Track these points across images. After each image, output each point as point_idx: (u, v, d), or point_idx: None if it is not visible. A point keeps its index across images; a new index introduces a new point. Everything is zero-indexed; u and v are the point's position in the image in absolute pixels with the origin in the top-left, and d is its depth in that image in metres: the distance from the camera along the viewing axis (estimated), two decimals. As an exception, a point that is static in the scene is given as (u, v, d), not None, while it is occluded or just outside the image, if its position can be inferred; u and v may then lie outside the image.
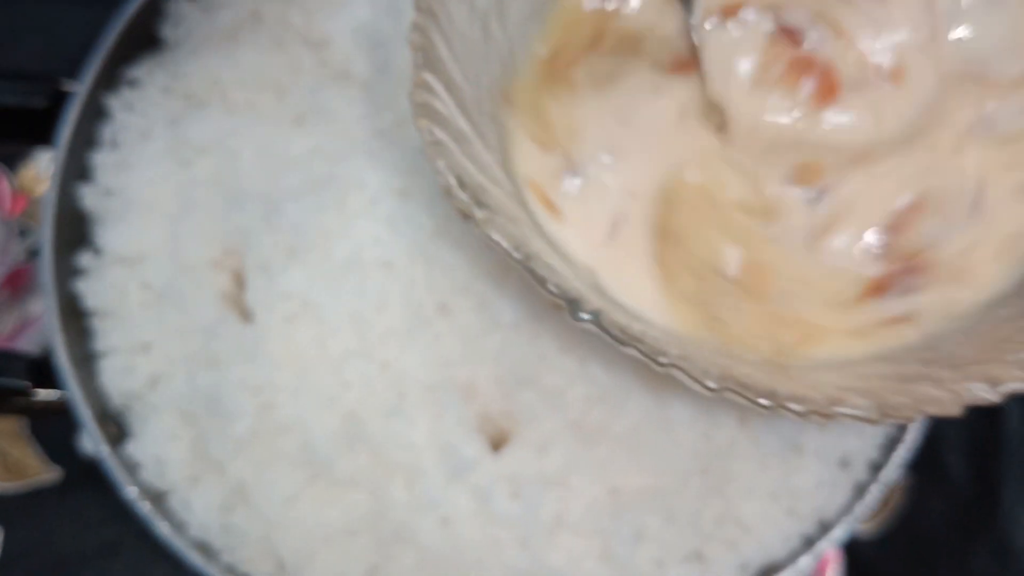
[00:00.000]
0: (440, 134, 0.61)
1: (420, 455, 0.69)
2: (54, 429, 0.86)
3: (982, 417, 0.87)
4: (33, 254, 0.93)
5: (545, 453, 0.69)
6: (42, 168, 0.95)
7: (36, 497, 0.85)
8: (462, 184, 0.60)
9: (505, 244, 0.59)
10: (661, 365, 0.58)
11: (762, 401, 0.57)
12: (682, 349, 0.60)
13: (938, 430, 0.85)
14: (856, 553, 0.82)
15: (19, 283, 0.92)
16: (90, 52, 0.78)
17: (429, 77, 0.63)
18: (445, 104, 0.63)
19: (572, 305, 0.58)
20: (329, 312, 0.71)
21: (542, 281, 0.58)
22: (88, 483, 0.84)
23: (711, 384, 0.57)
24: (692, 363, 0.58)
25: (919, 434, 0.74)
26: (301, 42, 0.80)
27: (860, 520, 0.73)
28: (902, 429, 0.74)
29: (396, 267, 0.72)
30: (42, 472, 0.87)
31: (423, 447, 0.69)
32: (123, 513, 0.71)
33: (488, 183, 0.62)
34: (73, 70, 0.78)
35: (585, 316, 0.58)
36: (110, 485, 0.71)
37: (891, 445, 0.74)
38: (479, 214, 0.59)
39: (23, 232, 0.94)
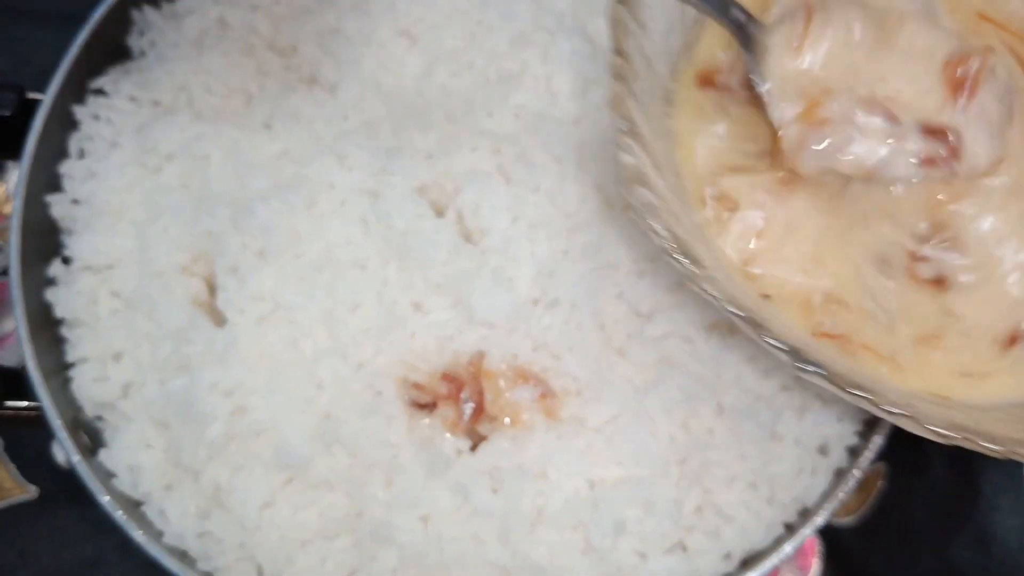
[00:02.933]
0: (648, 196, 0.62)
1: (398, 453, 0.69)
2: (29, 448, 0.86)
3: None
4: (7, 272, 0.92)
5: (523, 446, 0.69)
6: (12, 186, 0.95)
7: (12, 515, 0.84)
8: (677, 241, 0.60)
9: (720, 298, 0.60)
10: (890, 414, 0.59)
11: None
12: (899, 396, 0.61)
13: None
14: (837, 542, 0.81)
15: (-4, 299, 0.91)
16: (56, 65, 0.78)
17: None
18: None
19: (793, 355, 0.59)
20: (301, 313, 0.71)
21: (759, 335, 0.59)
22: (65, 500, 0.83)
23: (945, 432, 0.58)
24: (917, 411, 0.59)
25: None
26: (268, 48, 0.80)
27: (841, 507, 0.72)
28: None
29: (368, 267, 0.72)
30: (18, 491, 0.86)
31: (401, 445, 0.69)
32: (101, 529, 0.70)
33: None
34: (40, 85, 0.78)
35: (809, 368, 0.58)
36: (87, 501, 0.70)
37: (869, 431, 0.74)
38: (696, 270, 0.60)
39: (-2, 249, 0.93)
